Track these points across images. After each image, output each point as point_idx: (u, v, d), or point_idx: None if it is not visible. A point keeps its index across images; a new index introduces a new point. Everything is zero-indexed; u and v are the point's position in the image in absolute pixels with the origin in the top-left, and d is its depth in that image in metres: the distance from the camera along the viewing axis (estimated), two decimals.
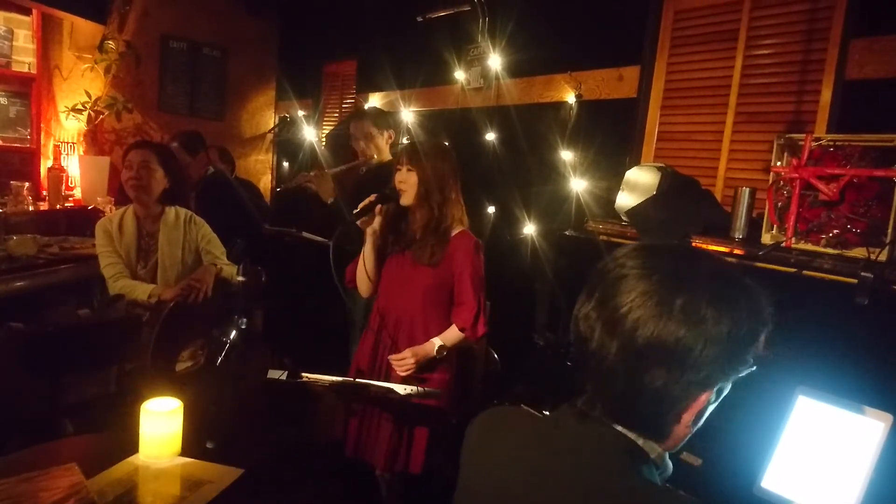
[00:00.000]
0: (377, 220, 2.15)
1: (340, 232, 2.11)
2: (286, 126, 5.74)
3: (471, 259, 2.13)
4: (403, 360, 2.07)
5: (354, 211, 2.10)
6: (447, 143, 2.34)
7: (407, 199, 2.12)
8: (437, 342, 2.11)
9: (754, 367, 0.82)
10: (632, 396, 0.80)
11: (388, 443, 2.13)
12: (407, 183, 2.10)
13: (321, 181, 2.88)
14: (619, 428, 0.83)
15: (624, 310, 0.78)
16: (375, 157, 3.10)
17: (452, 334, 2.13)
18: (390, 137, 3.17)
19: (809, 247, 1.90)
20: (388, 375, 2.14)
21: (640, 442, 0.83)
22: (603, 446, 0.83)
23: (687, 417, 0.82)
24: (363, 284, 2.27)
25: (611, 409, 0.83)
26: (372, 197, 2.10)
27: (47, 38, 4.95)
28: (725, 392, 0.84)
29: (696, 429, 0.85)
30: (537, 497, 0.83)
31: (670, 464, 0.87)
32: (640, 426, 0.83)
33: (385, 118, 3.25)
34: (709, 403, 0.83)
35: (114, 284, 2.51)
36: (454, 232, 2.15)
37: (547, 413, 1.00)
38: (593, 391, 0.85)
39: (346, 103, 5.21)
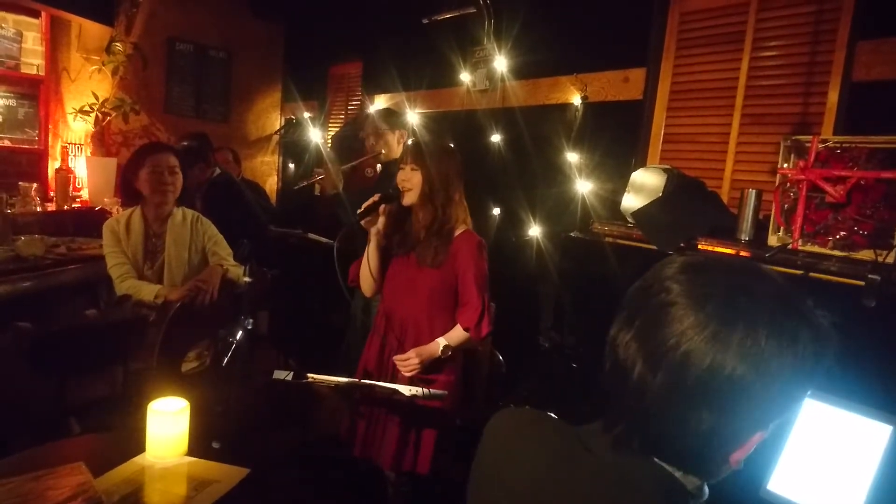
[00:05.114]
0: (381, 221, 2.15)
1: (343, 234, 2.11)
2: (292, 128, 5.76)
3: (474, 259, 2.12)
4: (408, 361, 2.07)
5: (358, 211, 2.11)
6: (452, 144, 2.34)
7: (410, 199, 2.11)
8: (441, 342, 2.11)
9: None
10: (675, 437, 0.72)
11: (394, 443, 2.13)
12: (410, 182, 2.10)
13: (327, 175, 2.92)
14: (657, 460, 0.76)
15: (671, 342, 0.69)
16: (384, 152, 3.12)
17: (457, 334, 2.13)
18: (402, 136, 3.18)
19: (816, 249, 1.90)
20: (395, 377, 2.14)
21: (679, 475, 0.75)
22: (639, 480, 0.76)
23: (737, 457, 0.75)
24: (367, 284, 2.27)
25: (650, 445, 0.75)
26: (375, 197, 2.10)
27: (55, 41, 4.98)
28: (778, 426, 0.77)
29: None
30: None
31: (707, 489, 0.79)
32: (682, 464, 0.75)
33: (397, 117, 3.28)
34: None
35: (120, 285, 2.52)
36: (457, 232, 2.15)
37: (553, 415, 0.96)
38: (629, 424, 0.77)
39: (352, 105, 5.22)
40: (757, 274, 0.75)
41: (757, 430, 0.73)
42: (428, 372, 2.12)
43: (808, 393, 0.73)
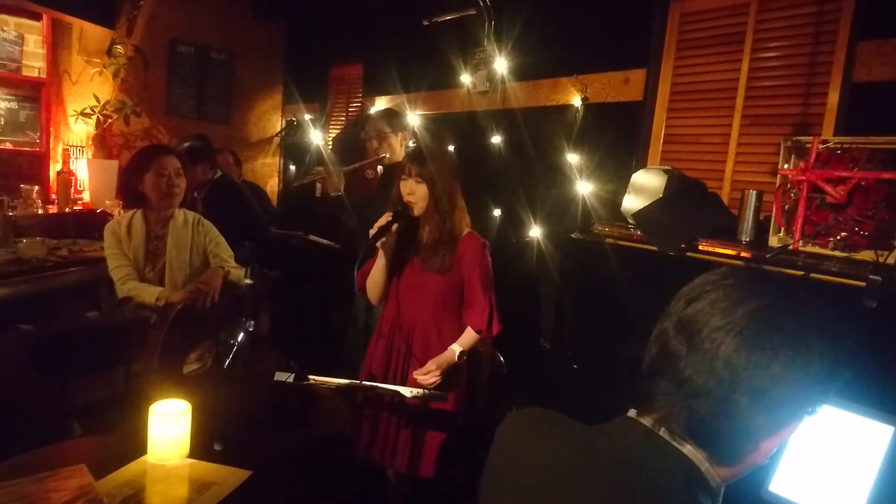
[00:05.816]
0: (393, 239, 2.14)
1: (362, 258, 2.13)
2: (293, 129, 5.76)
3: (479, 260, 2.13)
4: (430, 374, 2.05)
5: (371, 233, 2.09)
6: (445, 145, 2.34)
7: (419, 211, 2.12)
8: (457, 349, 2.10)
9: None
10: (718, 417, 0.76)
11: (397, 444, 2.12)
12: (416, 195, 2.10)
13: (329, 176, 2.93)
14: (688, 447, 0.79)
15: (725, 329, 0.75)
16: (388, 155, 3.12)
17: (469, 337, 2.13)
18: (404, 138, 3.19)
19: (817, 250, 1.90)
20: (406, 382, 2.13)
21: (703, 468, 0.79)
22: (663, 465, 0.79)
23: (768, 446, 0.80)
24: (375, 293, 2.26)
25: (691, 425, 0.79)
26: (388, 215, 2.09)
27: (57, 43, 4.99)
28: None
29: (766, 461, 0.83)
30: None
31: (721, 497, 0.83)
32: (715, 447, 0.79)
33: (399, 119, 3.29)
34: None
35: (122, 287, 2.53)
36: (461, 234, 2.15)
37: (562, 414, 0.95)
38: (671, 407, 0.80)
39: (353, 107, 5.23)
40: (799, 285, 0.82)
41: (792, 421, 0.79)
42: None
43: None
